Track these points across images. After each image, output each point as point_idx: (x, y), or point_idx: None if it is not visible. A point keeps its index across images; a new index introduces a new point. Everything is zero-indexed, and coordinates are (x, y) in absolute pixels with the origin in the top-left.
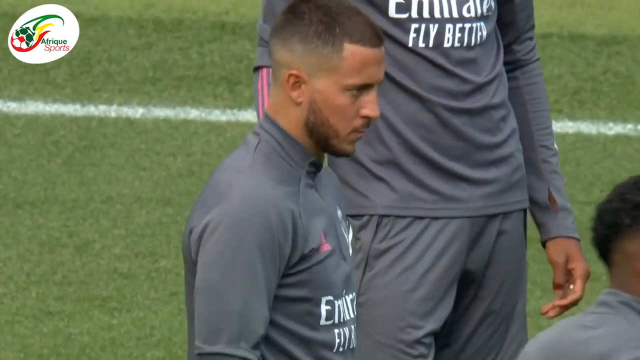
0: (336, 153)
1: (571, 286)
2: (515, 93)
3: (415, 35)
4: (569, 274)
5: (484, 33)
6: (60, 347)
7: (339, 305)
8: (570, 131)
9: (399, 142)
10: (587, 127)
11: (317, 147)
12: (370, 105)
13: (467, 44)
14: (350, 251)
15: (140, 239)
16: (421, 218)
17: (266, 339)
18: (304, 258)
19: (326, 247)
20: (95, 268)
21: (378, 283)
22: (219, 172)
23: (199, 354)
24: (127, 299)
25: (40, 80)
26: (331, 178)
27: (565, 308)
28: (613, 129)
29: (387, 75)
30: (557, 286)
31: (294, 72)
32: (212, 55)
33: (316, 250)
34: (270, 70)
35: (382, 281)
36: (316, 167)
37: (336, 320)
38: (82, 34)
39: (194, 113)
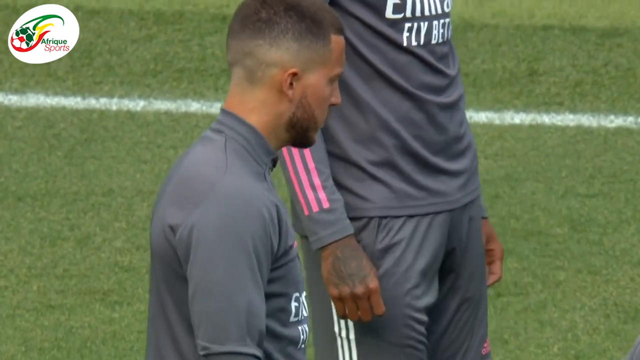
0: (307, 144)
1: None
2: None
3: (408, 34)
4: (486, 255)
5: (451, 25)
6: (62, 340)
7: (302, 301)
8: (571, 124)
9: (395, 142)
10: (588, 120)
11: (286, 142)
12: (335, 93)
13: (446, 38)
14: None
15: (141, 232)
16: (412, 216)
17: None
18: (285, 253)
19: (295, 244)
20: (96, 261)
21: (383, 284)
22: (192, 168)
23: (207, 355)
24: (128, 292)
25: (41, 72)
26: None
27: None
28: (614, 121)
29: (382, 75)
30: None
31: (294, 70)
32: (213, 48)
33: (291, 246)
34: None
35: (389, 282)
36: (274, 164)
37: (300, 317)
38: (83, 26)
39: (195, 106)
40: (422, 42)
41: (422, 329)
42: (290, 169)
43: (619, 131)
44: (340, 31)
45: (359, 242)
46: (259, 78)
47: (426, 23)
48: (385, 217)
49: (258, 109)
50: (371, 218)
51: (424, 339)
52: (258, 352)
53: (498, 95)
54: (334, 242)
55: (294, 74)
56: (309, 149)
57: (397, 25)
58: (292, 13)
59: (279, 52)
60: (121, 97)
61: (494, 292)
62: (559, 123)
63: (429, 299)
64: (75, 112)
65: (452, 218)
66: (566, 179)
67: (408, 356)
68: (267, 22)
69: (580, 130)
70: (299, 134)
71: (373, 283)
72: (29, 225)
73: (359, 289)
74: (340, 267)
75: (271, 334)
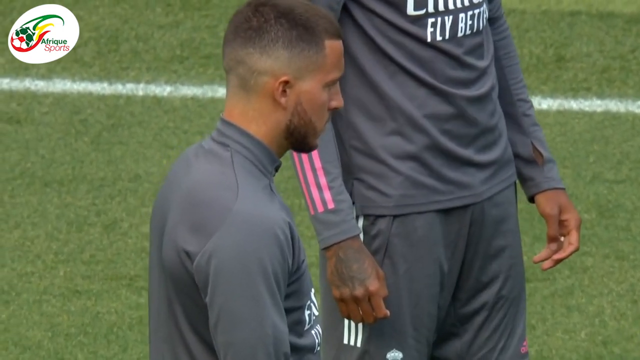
0: (308, 150)
1: (562, 238)
2: None
3: (432, 29)
4: (562, 226)
5: (487, 14)
6: (88, 326)
7: (313, 304)
8: (599, 109)
9: (423, 138)
10: (615, 106)
11: (287, 149)
12: (336, 97)
13: (477, 29)
14: None
15: None
16: (441, 210)
17: None
18: (297, 269)
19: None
20: (122, 247)
21: (398, 277)
22: (205, 190)
23: None
24: None
25: (68, 58)
26: None
27: (561, 260)
28: None
29: (407, 71)
30: (551, 239)
31: (285, 78)
32: None
33: (303, 260)
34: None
35: (405, 276)
36: (277, 170)
37: (312, 322)
38: (110, 12)
39: (221, 91)
40: (447, 36)
41: (432, 321)
42: (298, 168)
43: None
44: (336, 36)
45: (376, 235)
46: (252, 86)
47: (451, 17)
48: (405, 214)
49: (256, 118)
50: (392, 214)
51: (431, 331)
52: None
53: (525, 80)
54: (337, 244)
55: (286, 82)
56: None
57: (420, 21)
58: (284, 21)
59: (269, 60)
60: (148, 82)
61: None
62: (587, 109)
63: (446, 293)
64: (102, 98)
65: (475, 211)
66: (594, 165)
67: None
68: (257, 30)
69: (608, 115)
70: (297, 141)
71: (373, 286)
72: (55, 211)
73: (359, 291)
74: (342, 269)
75: (290, 347)
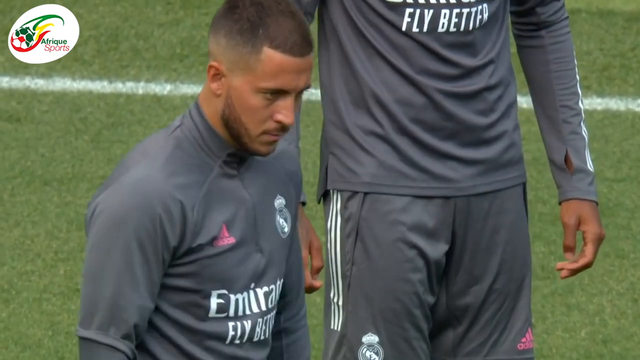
0: (249, 152)
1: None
2: (538, 52)
3: (409, 19)
4: (583, 237)
5: (485, 15)
6: None
7: (237, 299)
8: (599, 108)
9: (390, 121)
10: (615, 104)
11: (233, 141)
12: (284, 112)
13: (465, 28)
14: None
15: None
16: (419, 199)
17: (150, 325)
18: (192, 251)
19: (227, 241)
20: None
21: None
22: (130, 153)
23: (77, 335)
24: None
25: (68, 56)
26: (277, 166)
27: (576, 271)
28: None
29: (382, 56)
30: (567, 248)
31: (214, 64)
32: None
33: (209, 244)
34: None
35: (378, 254)
36: (238, 157)
37: (231, 314)
38: (110, 10)
39: None
40: (425, 29)
41: (416, 311)
42: None
43: None
44: (279, 48)
45: (349, 218)
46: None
47: (432, 11)
48: (375, 193)
49: (205, 98)
50: (363, 193)
51: (413, 319)
52: (119, 344)
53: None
54: None
55: (214, 68)
56: None
57: (397, 9)
58: (243, 12)
59: (213, 44)
60: (148, 81)
61: None
62: (587, 107)
63: (434, 282)
64: (102, 96)
65: (464, 205)
66: (594, 163)
67: (389, 327)
68: (222, 13)
69: (608, 114)
70: (234, 137)
71: None
72: (55, 210)
73: None
74: None
75: (182, 326)
